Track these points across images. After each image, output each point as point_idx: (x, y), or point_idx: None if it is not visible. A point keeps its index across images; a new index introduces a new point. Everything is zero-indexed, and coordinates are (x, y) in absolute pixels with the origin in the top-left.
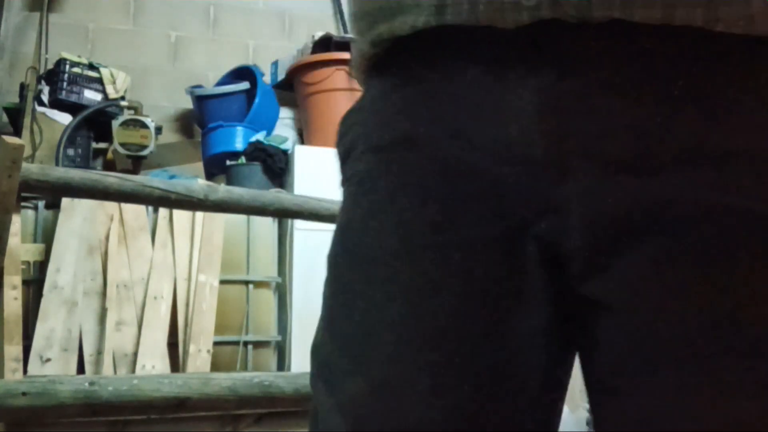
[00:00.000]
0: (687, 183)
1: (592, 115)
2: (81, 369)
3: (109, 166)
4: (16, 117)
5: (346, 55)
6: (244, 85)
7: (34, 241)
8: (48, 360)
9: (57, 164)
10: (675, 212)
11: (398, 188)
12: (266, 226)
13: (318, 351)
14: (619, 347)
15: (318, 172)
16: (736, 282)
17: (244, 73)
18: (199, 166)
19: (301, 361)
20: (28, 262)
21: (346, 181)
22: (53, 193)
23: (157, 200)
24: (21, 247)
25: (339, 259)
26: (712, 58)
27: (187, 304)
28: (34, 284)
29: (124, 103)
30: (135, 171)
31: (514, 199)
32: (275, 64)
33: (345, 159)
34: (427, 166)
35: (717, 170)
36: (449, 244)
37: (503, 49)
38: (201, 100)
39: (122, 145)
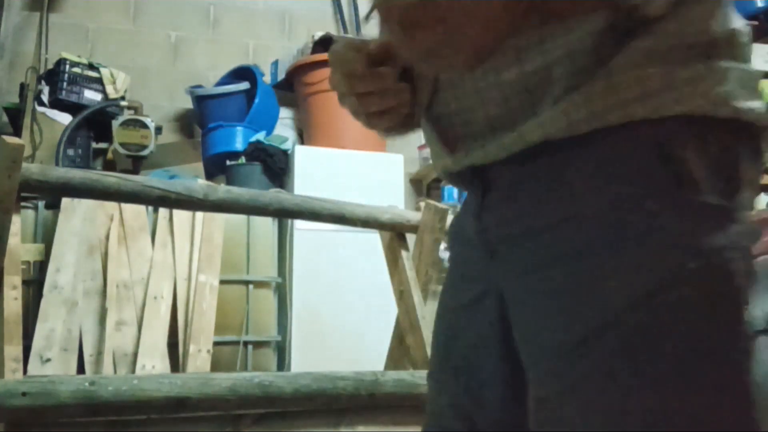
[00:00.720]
0: (532, 248)
1: (495, 213)
2: (81, 369)
3: (109, 166)
4: (16, 117)
5: None
6: (244, 85)
7: (34, 241)
8: (48, 360)
9: (57, 164)
10: (533, 263)
11: (449, 276)
12: (266, 226)
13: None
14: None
15: (318, 172)
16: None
17: (244, 73)
18: (199, 166)
19: (300, 361)
20: (28, 262)
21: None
22: (53, 193)
23: (157, 200)
24: (21, 247)
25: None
26: (532, 166)
27: (187, 304)
28: (34, 284)
29: (124, 103)
30: (135, 171)
31: (477, 274)
32: (275, 64)
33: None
34: (459, 261)
35: (545, 236)
36: (455, 308)
37: (466, 177)
38: (201, 100)
39: (122, 145)
